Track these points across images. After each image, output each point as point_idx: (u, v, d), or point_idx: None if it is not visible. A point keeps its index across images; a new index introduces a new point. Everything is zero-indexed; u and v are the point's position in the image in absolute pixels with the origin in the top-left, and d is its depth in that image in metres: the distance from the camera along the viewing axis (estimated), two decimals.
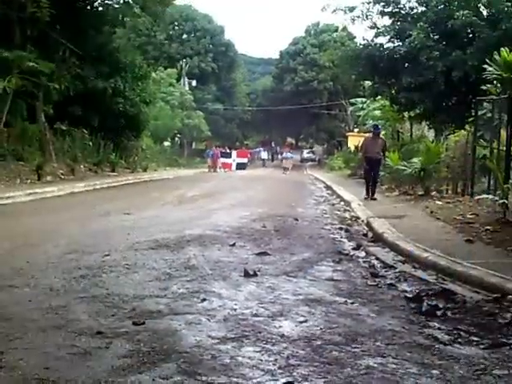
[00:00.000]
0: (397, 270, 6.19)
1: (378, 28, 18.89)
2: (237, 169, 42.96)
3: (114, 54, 23.70)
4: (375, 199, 13.87)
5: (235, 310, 4.45)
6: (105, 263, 6.01)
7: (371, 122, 28.72)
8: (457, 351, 3.72)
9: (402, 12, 18.71)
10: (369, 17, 18.81)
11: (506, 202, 8.54)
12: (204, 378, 3.13)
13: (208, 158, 40.09)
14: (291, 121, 66.34)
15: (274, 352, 3.56)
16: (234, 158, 44.91)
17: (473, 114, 14.81)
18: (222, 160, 42.24)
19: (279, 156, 52.86)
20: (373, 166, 14.28)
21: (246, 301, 4.74)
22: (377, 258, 6.88)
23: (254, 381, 3.13)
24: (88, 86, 21.56)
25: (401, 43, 18.46)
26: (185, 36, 62.43)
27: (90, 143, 22.20)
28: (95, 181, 18.32)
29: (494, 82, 11.54)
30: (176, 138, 50.94)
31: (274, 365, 3.36)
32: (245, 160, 46.36)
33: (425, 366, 3.43)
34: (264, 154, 59.43)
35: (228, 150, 47.18)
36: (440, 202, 12.28)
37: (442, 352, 3.68)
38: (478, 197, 11.28)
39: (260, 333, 3.91)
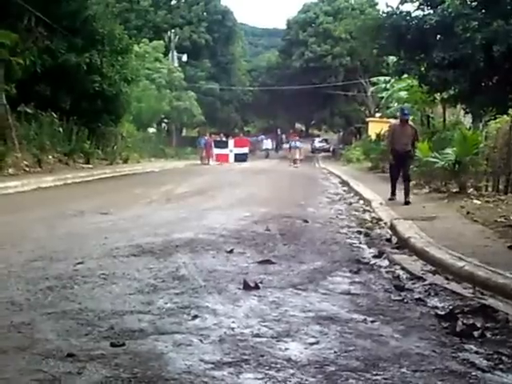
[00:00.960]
0: (426, 282, 6.18)
1: None
2: (235, 161, 42.65)
3: (89, 23, 23.71)
4: (409, 203, 12.77)
5: (233, 329, 4.45)
6: (77, 272, 6.01)
7: (396, 105, 28.67)
8: (497, 379, 3.71)
9: None
10: None
11: None
12: None
13: (200, 147, 40.11)
14: (300, 103, 66.40)
15: (279, 379, 3.56)
16: (232, 148, 44.44)
17: None
18: (217, 151, 41.96)
19: (286, 145, 52.77)
20: (401, 161, 13.51)
21: (245, 318, 4.74)
22: (402, 268, 6.88)
23: None
24: (58, 62, 21.61)
25: (432, 11, 18.34)
26: (174, 2, 62.39)
27: (61, 129, 22.18)
28: (66, 174, 18.34)
29: None
30: (163, 124, 50.99)
31: None
32: (245, 150, 46.10)
33: None
34: (267, 144, 59.33)
35: (224, 139, 46.95)
36: (478, 201, 12.27)
37: (479, 380, 3.68)
38: None
39: (262, 356, 3.90)
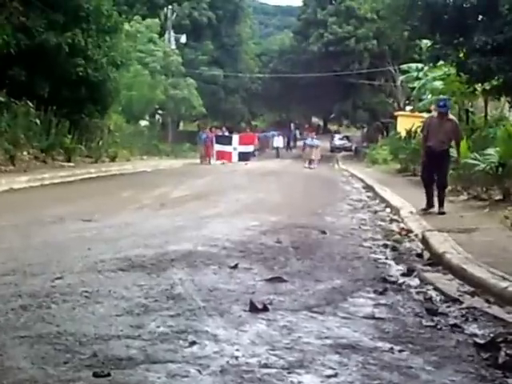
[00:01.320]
0: (463, 306, 6.17)
1: None
2: (239, 160, 42.38)
3: None
4: (443, 213, 12.52)
5: (236, 357, 4.44)
6: (55, 289, 6.00)
7: (430, 97, 28.65)
8: None
9: None
10: None
11: None
12: None
13: (200, 143, 39.95)
14: (318, 94, 66.48)
15: None
16: (236, 146, 44.06)
17: None
18: (218, 147, 41.63)
19: (300, 143, 52.71)
20: (436, 162, 12.95)
21: (251, 345, 4.73)
22: (435, 288, 6.86)
23: None
24: (35, 42, 21.62)
25: None
26: None
27: (38, 121, 22.10)
28: (43, 173, 18.38)
29: None
30: (157, 116, 51.09)
31: None
32: (250, 148, 45.95)
33: None
34: (278, 141, 59.18)
35: (227, 133, 46.78)
36: None
37: None
38: None
39: None
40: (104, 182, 19.94)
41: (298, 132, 74.53)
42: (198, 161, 38.69)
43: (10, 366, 4.10)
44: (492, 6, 17.31)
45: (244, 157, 43.53)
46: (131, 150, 34.09)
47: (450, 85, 23.57)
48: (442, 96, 22.95)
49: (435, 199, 13.09)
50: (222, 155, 41.76)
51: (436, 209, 12.90)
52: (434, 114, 14.00)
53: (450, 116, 13.52)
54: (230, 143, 43.84)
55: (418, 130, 30.14)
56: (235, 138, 45.21)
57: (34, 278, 6.40)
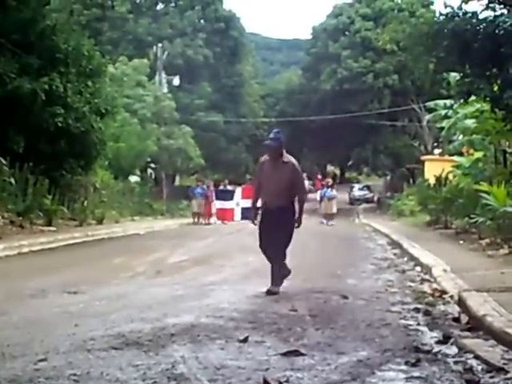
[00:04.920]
0: (509, 376, 6.14)
1: None
2: (242, 218, 40.91)
3: (47, 36, 24.02)
4: (275, 293, 10.69)
5: None
6: (39, 373, 5.99)
7: (461, 137, 28.79)
8: None
9: None
10: None
11: None
12: None
13: (194, 198, 38.50)
14: (333, 139, 66.73)
15: None
16: (239, 201, 42.82)
17: None
18: (218, 205, 40.46)
19: (313, 195, 52.41)
20: (273, 224, 11.07)
21: None
22: (476, 357, 6.83)
23: None
24: (7, 89, 21.75)
25: (506, 11, 18.62)
26: (160, 6, 63.27)
27: (12, 180, 22.14)
28: (21, 240, 18.42)
29: None
30: (149, 170, 51.26)
31: None
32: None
33: None
34: None
35: (229, 187, 46.02)
36: None
37: None
38: None
39: None
40: (91, 247, 19.98)
41: (311, 183, 74.46)
42: (191, 220, 37.83)
43: None
44: None
45: (248, 213, 42.37)
46: (121, 211, 34.19)
47: (484, 123, 23.65)
48: (473, 136, 23.14)
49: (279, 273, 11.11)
50: (222, 214, 40.47)
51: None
52: (267, 156, 11.33)
53: (287, 157, 11.23)
54: (231, 198, 42.02)
55: (450, 175, 30.38)
56: (237, 191, 44.04)
57: (14, 361, 6.38)
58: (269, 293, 10.60)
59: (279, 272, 11.00)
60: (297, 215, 11.39)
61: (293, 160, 11.26)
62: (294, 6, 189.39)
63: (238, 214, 41.94)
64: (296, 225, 11.31)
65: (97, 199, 30.32)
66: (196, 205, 37.38)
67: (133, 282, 12.33)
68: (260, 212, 11.44)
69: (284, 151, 11.07)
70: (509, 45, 18.32)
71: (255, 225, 11.60)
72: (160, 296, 10.37)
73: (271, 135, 11.17)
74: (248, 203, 43.38)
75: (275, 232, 11.03)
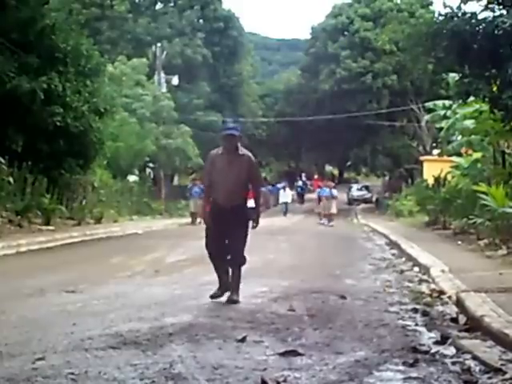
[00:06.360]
0: (507, 376, 6.14)
1: None
2: None
3: (46, 36, 23.98)
4: (236, 302, 9.92)
5: None
6: (37, 372, 5.99)
7: (459, 138, 28.81)
8: None
9: None
10: None
11: None
12: None
13: (192, 198, 38.01)
14: (331, 139, 66.77)
15: None
16: None
17: None
18: None
19: (312, 195, 51.83)
20: (226, 225, 10.10)
21: None
22: (474, 357, 6.83)
23: None
24: (6, 88, 21.72)
25: (505, 11, 18.61)
26: (159, 6, 63.23)
27: (11, 179, 22.10)
28: (19, 239, 18.39)
29: None
30: (148, 170, 51.17)
31: None
32: (251, 203, 44.92)
33: None
34: (285, 195, 52.59)
35: None
36: None
37: None
38: None
39: None
40: (89, 247, 19.97)
41: (308, 183, 74.39)
42: (190, 220, 37.36)
43: None
44: None
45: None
46: (119, 210, 34.15)
47: (483, 123, 23.64)
48: (472, 137, 23.11)
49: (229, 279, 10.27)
50: None
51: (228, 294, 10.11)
52: (219, 149, 10.38)
53: (242, 149, 10.38)
54: None
55: (448, 176, 30.39)
56: None
57: (12, 360, 6.38)
58: (229, 302, 9.83)
59: (238, 277, 10.14)
60: (255, 214, 10.57)
61: (248, 153, 10.34)
62: (293, 6, 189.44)
63: None
64: (254, 224, 10.41)
65: (95, 198, 30.29)
66: (193, 205, 36.87)
67: (131, 281, 12.31)
68: (210, 211, 10.27)
69: (239, 144, 10.26)
70: (508, 45, 18.32)
71: (206, 225, 10.35)
72: (158, 295, 10.37)
73: (228, 126, 10.32)
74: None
75: (230, 234, 10.07)
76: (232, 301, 9.80)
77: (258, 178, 10.57)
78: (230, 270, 10.14)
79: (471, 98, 22.56)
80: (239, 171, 10.02)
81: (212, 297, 9.93)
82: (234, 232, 10.04)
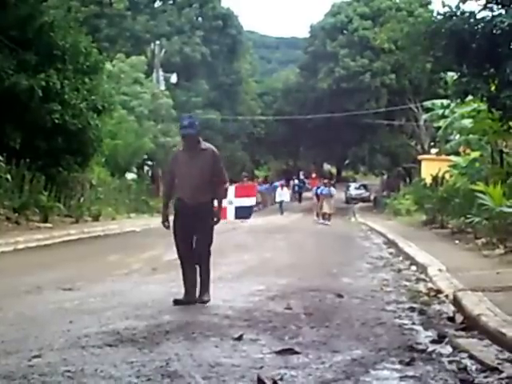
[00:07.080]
0: (503, 375, 6.15)
1: None
2: (237, 217, 40.09)
3: (44, 33, 23.92)
4: (206, 301, 9.69)
5: None
6: (33, 369, 6.00)
7: (457, 137, 28.82)
8: None
9: None
10: None
11: None
12: None
13: None
14: (329, 137, 66.80)
15: None
16: (232, 199, 41.98)
17: None
18: None
19: (310, 194, 51.50)
20: (192, 223, 9.79)
21: None
22: (471, 356, 6.84)
23: None
24: (4, 85, 21.69)
25: (504, 11, 18.61)
26: (158, 4, 63.18)
27: (9, 177, 22.12)
28: (16, 237, 18.42)
29: None
30: (146, 168, 51.05)
31: None
32: (250, 201, 44.43)
33: None
34: (283, 194, 51.56)
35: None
36: None
37: None
38: None
39: None
40: (87, 244, 19.96)
41: (306, 181, 74.21)
42: None
43: None
44: None
45: (242, 213, 42.06)
46: (117, 208, 34.08)
47: (481, 123, 23.64)
48: (470, 136, 23.10)
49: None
50: None
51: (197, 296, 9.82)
52: (181, 146, 10.27)
53: (204, 144, 10.04)
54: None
55: (446, 175, 30.39)
56: (231, 189, 43.16)
57: (9, 357, 6.39)
58: (199, 302, 9.55)
59: (207, 274, 9.89)
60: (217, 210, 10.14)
61: (212, 146, 10.03)
62: (292, 5, 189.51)
63: (231, 213, 41.36)
64: (215, 219, 9.91)
65: (93, 196, 30.27)
66: None
67: (128, 279, 12.32)
68: (174, 210, 9.99)
69: (200, 138, 9.88)
70: (506, 45, 18.33)
71: (167, 228, 9.89)
72: (155, 293, 10.40)
73: (185, 122, 9.83)
74: (242, 202, 43.25)
75: (195, 231, 9.76)
76: (202, 301, 9.57)
77: (221, 170, 9.97)
78: (198, 269, 9.83)
79: (469, 97, 22.55)
80: (202, 166, 9.71)
81: (176, 302, 9.50)
82: (200, 229, 9.73)
